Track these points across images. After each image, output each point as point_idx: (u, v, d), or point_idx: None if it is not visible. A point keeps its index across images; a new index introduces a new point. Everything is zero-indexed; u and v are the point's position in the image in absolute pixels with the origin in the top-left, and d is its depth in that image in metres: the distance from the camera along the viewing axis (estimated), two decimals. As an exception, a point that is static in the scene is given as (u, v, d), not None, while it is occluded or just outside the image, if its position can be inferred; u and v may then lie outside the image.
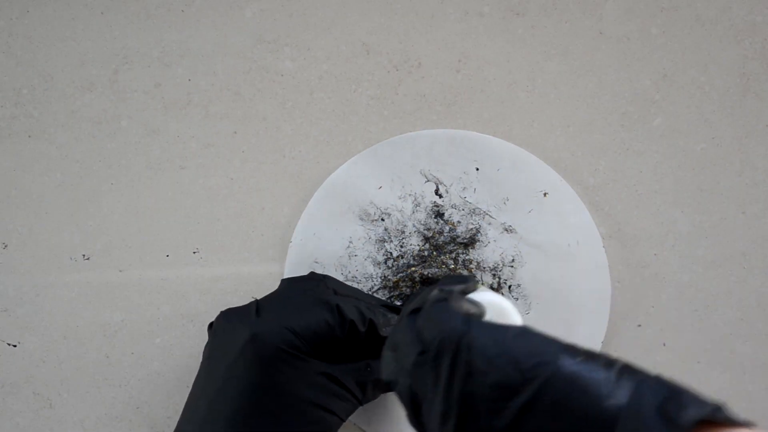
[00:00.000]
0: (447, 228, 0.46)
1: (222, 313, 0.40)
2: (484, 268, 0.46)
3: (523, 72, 0.48)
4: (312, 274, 0.42)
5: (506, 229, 0.46)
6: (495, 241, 0.46)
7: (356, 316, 0.38)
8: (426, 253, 0.46)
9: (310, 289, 0.40)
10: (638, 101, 0.48)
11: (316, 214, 0.47)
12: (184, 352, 0.47)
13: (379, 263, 0.46)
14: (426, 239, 0.46)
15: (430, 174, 0.47)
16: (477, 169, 0.47)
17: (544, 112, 0.48)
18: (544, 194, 0.46)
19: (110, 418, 0.47)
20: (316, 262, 0.46)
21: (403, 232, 0.46)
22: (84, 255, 0.48)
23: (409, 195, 0.47)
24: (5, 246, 0.48)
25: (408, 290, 0.46)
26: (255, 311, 0.38)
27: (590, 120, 0.48)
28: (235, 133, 0.48)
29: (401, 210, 0.47)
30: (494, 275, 0.46)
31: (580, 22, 0.48)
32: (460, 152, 0.47)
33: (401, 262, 0.46)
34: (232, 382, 0.36)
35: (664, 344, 0.47)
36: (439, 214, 0.46)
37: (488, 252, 0.46)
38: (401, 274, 0.46)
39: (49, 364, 0.48)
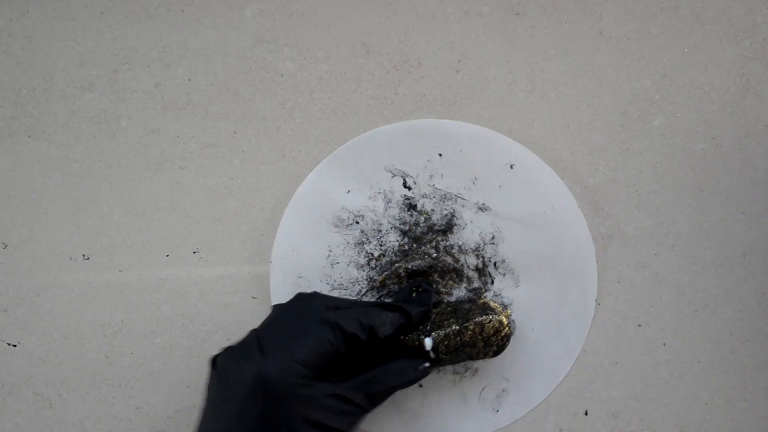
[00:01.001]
0: (422, 218, 0.46)
1: (225, 350, 0.40)
2: (466, 250, 0.46)
3: (523, 72, 0.48)
4: (299, 295, 0.42)
5: (480, 208, 0.46)
6: (471, 222, 0.46)
7: (356, 327, 0.39)
8: (406, 247, 0.46)
9: (303, 312, 0.40)
10: (638, 101, 0.48)
11: (290, 230, 0.46)
12: (184, 352, 0.47)
13: (362, 266, 0.46)
14: (404, 233, 0.46)
15: (395, 168, 0.46)
16: (440, 155, 0.46)
17: (544, 112, 0.48)
18: (511, 166, 0.46)
19: (110, 418, 0.47)
20: (300, 277, 0.46)
21: (380, 231, 0.46)
22: (84, 255, 0.48)
23: (379, 193, 0.47)
24: (5, 246, 0.48)
25: (395, 287, 0.46)
26: (258, 347, 0.38)
27: (590, 120, 0.48)
28: (235, 133, 0.48)
29: (374, 209, 0.46)
30: (477, 255, 0.46)
31: (580, 22, 0.48)
32: (419, 142, 0.47)
33: (384, 260, 0.46)
34: (243, 424, 0.37)
35: (664, 344, 0.47)
36: (411, 207, 0.46)
37: (467, 234, 0.46)
38: (386, 272, 0.46)
39: (49, 364, 0.48)
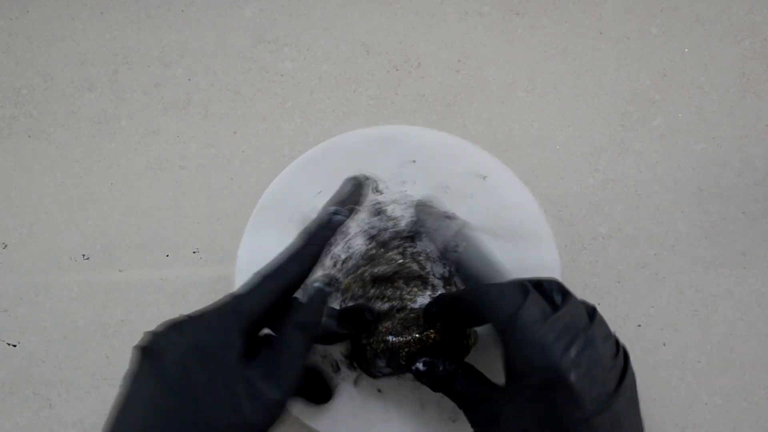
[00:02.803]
0: (390, 224, 0.46)
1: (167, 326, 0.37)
2: (433, 258, 0.45)
3: (523, 72, 0.48)
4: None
5: (449, 217, 0.46)
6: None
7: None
8: (373, 251, 0.45)
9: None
10: (638, 101, 0.48)
11: (257, 228, 0.45)
12: (184, 352, 0.47)
13: (328, 268, 0.45)
14: (371, 237, 0.46)
15: (368, 172, 0.46)
16: (414, 161, 0.46)
17: (544, 112, 0.48)
18: (483, 178, 0.46)
19: (110, 418, 0.47)
20: None
21: (347, 234, 0.46)
22: (84, 255, 0.48)
23: None
24: (5, 246, 0.48)
25: (359, 291, 0.45)
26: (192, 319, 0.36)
27: (590, 120, 0.48)
28: (235, 133, 0.48)
29: None
30: (444, 264, 0.45)
31: (580, 22, 0.48)
32: (394, 148, 0.46)
33: (350, 263, 0.45)
34: (171, 391, 0.34)
35: (664, 344, 0.47)
36: (380, 211, 0.46)
37: None
38: (351, 276, 0.45)
39: (49, 364, 0.48)
